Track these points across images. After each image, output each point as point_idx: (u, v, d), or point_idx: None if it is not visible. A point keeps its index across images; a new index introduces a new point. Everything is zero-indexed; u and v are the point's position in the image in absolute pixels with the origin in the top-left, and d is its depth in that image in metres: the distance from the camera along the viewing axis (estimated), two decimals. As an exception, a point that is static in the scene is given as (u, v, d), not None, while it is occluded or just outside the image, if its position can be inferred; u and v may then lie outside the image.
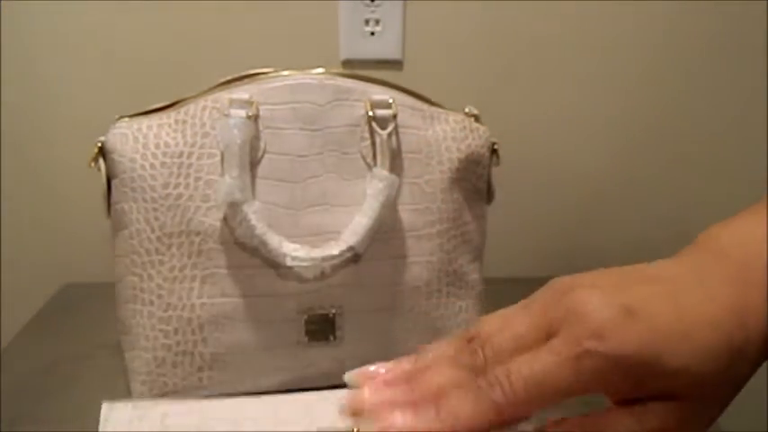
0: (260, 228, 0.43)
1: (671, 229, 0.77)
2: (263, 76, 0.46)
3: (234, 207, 0.43)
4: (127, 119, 0.46)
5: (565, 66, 0.70)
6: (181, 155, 0.44)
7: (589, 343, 0.24)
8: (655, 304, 0.25)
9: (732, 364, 0.25)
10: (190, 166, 0.44)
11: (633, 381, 0.24)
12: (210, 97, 0.45)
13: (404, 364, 0.28)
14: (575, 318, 0.25)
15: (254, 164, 0.45)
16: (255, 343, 0.46)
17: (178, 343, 0.45)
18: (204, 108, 0.45)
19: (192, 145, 0.45)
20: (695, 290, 0.26)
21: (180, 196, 0.44)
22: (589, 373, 0.24)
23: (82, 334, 0.59)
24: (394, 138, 0.46)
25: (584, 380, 0.24)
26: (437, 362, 0.28)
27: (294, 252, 0.43)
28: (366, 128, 0.46)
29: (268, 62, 0.48)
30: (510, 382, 0.25)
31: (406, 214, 0.47)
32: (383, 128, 0.45)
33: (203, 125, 0.45)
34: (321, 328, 0.47)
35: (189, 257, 0.45)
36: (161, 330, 0.45)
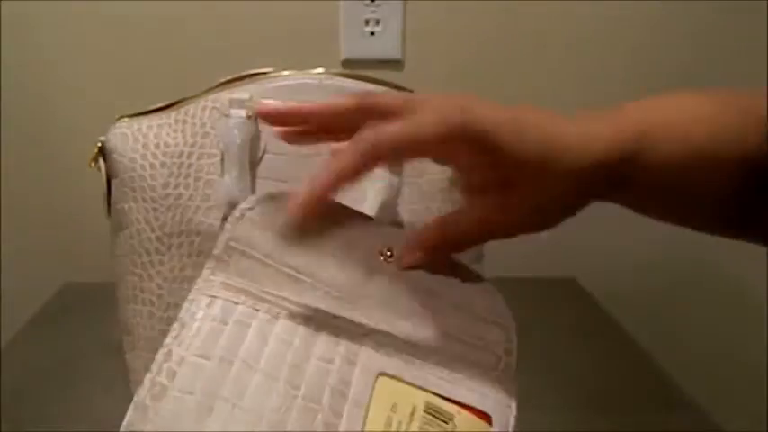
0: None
1: (671, 228, 0.77)
2: (263, 76, 0.46)
3: (234, 207, 0.43)
4: (127, 119, 0.46)
5: (565, 65, 0.70)
6: (181, 155, 0.44)
7: (455, 113, 0.29)
8: (521, 114, 0.30)
9: (558, 159, 0.30)
10: (190, 166, 0.44)
11: (475, 150, 0.29)
12: (210, 97, 0.45)
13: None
14: (451, 100, 0.30)
15: (254, 164, 0.45)
16: (255, 343, 0.46)
17: (178, 343, 0.45)
18: (204, 108, 0.45)
19: (192, 145, 0.45)
20: (563, 119, 0.31)
21: (180, 196, 0.44)
22: (445, 133, 0.29)
23: (82, 334, 0.59)
24: (394, 138, 0.46)
25: (441, 140, 0.29)
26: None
27: (294, 252, 0.43)
28: (366, 128, 0.46)
29: (268, 62, 0.48)
30: (378, 134, 0.29)
31: (406, 214, 0.47)
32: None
33: (203, 125, 0.45)
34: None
35: (189, 257, 0.45)
36: (161, 330, 0.45)
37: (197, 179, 0.44)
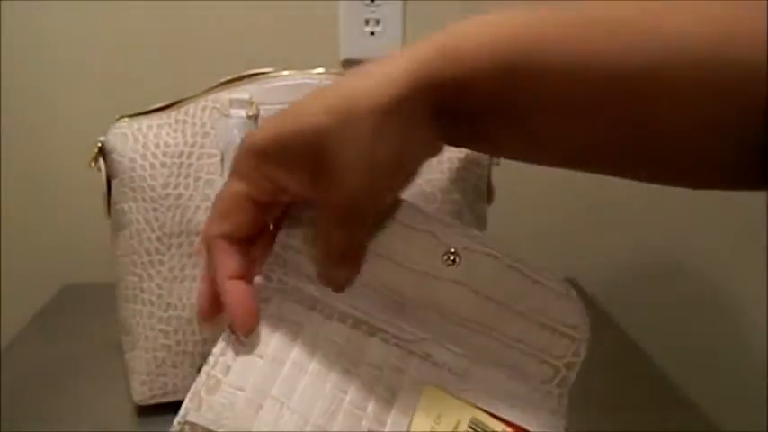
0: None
1: (672, 228, 0.77)
2: (263, 76, 0.46)
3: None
4: (127, 119, 0.46)
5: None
6: (181, 155, 0.44)
7: (240, 150, 0.28)
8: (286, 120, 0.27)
9: (350, 111, 0.25)
10: (190, 166, 0.44)
11: (277, 158, 0.27)
12: (210, 97, 0.45)
13: None
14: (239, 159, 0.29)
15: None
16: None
17: (178, 343, 0.45)
18: (204, 108, 0.45)
19: (192, 145, 0.45)
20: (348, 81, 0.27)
21: (180, 196, 0.44)
22: (245, 172, 0.27)
23: (82, 334, 0.59)
24: (394, 138, 0.46)
25: (246, 179, 0.27)
26: None
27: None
28: (366, 128, 0.46)
29: (268, 62, 0.48)
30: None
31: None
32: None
33: (203, 125, 0.45)
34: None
35: (189, 257, 0.45)
36: (161, 330, 0.45)
37: (197, 179, 0.44)
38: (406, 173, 0.28)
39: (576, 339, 0.29)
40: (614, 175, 0.28)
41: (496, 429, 0.28)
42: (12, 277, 0.73)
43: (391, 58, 0.26)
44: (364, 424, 0.27)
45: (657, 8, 0.24)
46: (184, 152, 0.44)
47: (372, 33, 0.68)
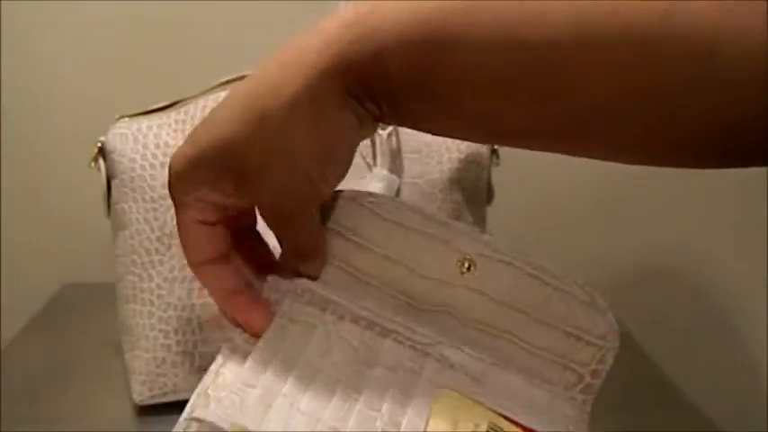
0: (259, 227, 0.43)
1: (672, 227, 0.77)
2: (262, 76, 0.46)
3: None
4: (127, 119, 0.46)
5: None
6: (181, 155, 0.44)
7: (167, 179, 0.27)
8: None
9: (259, 110, 0.24)
10: (190, 166, 0.44)
11: (200, 178, 0.26)
12: (210, 97, 0.45)
13: None
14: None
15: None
16: (255, 343, 0.46)
17: (178, 343, 0.45)
18: (204, 108, 0.45)
19: (192, 145, 0.45)
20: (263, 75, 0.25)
21: (180, 196, 0.44)
22: (181, 202, 0.27)
23: (82, 334, 0.59)
24: (394, 138, 0.46)
25: (185, 207, 0.27)
26: None
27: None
28: (366, 128, 0.46)
29: (268, 62, 0.47)
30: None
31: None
32: (383, 128, 0.45)
33: (203, 125, 0.45)
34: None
35: (189, 257, 0.45)
36: (161, 330, 0.45)
37: (197, 179, 0.44)
38: (335, 161, 0.26)
39: (603, 348, 0.28)
40: (554, 151, 0.26)
41: None
42: (12, 277, 0.73)
43: (296, 42, 0.25)
44: (378, 425, 0.26)
45: None
46: (184, 152, 0.44)
47: (372, 33, 0.68)
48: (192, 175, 0.26)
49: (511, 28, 0.22)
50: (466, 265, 0.28)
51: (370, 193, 0.30)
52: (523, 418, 0.27)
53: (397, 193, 0.46)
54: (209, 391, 0.26)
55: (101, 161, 0.45)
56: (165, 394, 0.46)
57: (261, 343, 0.28)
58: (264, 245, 0.32)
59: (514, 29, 0.22)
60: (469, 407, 0.27)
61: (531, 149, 0.26)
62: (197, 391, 0.27)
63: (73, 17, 0.65)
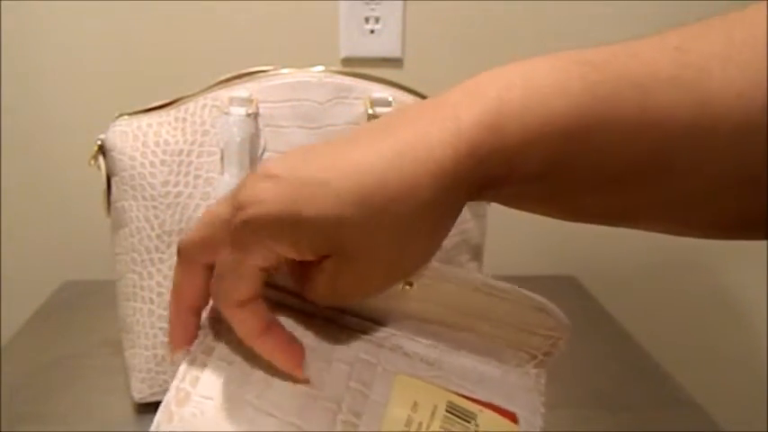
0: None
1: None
2: (262, 74, 0.46)
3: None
4: (127, 117, 0.46)
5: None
6: (180, 153, 0.44)
7: (234, 217, 0.24)
8: (298, 162, 0.23)
9: (384, 208, 0.22)
10: (190, 164, 0.44)
11: (288, 240, 0.23)
12: (210, 95, 0.45)
13: None
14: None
15: (253, 162, 0.45)
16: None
17: (178, 341, 0.45)
18: (204, 106, 0.45)
19: (192, 143, 0.45)
20: (365, 138, 0.23)
21: (180, 194, 0.44)
22: (248, 244, 0.24)
23: (82, 332, 0.59)
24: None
25: (250, 252, 0.24)
26: None
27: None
28: (366, 126, 0.46)
29: (268, 60, 0.48)
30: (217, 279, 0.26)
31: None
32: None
33: (203, 123, 0.45)
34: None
35: (188, 255, 0.45)
36: (161, 328, 0.45)
37: (197, 177, 0.44)
38: (431, 256, 0.26)
39: (554, 337, 0.29)
40: (647, 230, 0.27)
41: (473, 410, 0.28)
42: (12, 274, 0.73)
43: (424, 128, 0.23)
44: (339, 418, 0.27)
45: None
46: (184, 150, 0.44)
47: (372, 31, 0.68)
48: (279, 234, 0.23)
49: (652, 110, 0.22)
50: (404, 285, 0.28)
51: None
52: (480, 394, 0.28)
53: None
54: (172, 407, 0.27)
55: (101, 159, 0.45)
56: (164, 392, 0.45)
57: (217, 351, 0.28)
58: None
59: (655, 111, 0.22)
60: (427, 389, 0.28)
61: (619, 227, 0.27)
62: (162, 406, 0.27)
63: (73, 17, 0.65)
